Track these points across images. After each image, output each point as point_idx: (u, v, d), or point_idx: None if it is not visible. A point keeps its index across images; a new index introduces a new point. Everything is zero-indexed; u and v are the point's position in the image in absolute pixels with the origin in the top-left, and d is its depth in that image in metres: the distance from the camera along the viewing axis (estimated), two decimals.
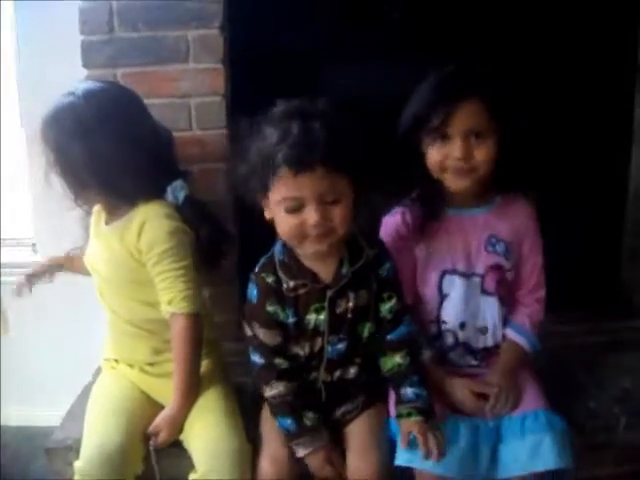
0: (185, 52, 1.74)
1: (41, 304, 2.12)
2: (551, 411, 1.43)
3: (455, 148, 1.38)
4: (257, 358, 1.40)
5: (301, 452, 1.38)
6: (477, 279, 1.50)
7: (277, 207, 1.29)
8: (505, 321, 1.54)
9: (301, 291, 1.36)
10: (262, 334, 1.38)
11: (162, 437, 1.45)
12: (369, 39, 1.91)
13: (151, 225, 1.44)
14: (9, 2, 1.98)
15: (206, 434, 1.43)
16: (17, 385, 2.19)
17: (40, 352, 2.19)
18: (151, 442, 1.45)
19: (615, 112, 2.06)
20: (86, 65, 1.74)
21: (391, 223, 1.53)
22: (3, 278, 2.05)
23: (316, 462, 1.38)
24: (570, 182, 2.07)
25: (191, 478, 1.41)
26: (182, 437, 1.48)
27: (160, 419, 1.47)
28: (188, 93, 1.76)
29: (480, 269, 1.50)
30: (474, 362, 1.53)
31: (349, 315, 1.38)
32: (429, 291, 1.52)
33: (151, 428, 1.46)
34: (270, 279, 1.36)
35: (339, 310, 1.37)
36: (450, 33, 1.91)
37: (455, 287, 1.50)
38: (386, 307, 1.42)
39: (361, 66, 1.93)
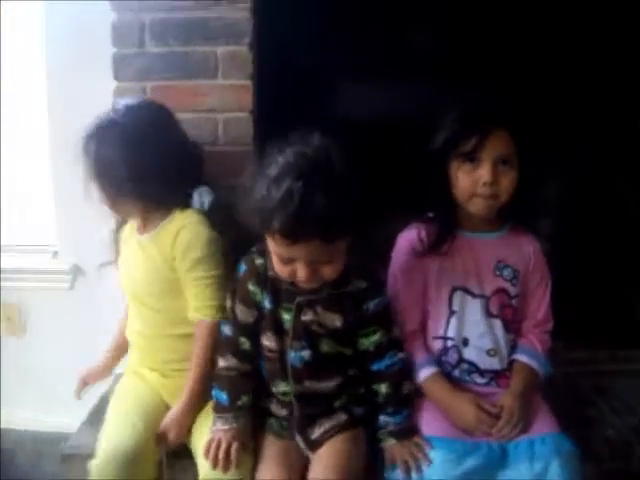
0: (214, 68, 1.76)
1: (57, 309, 2.15)
2: (560, 435, 1.42)
3: (485, 173, 1.44)
4: (227, 330, 1.46)
5: (219, 425, 1.41)
6: (483, 300, 1.52)
7: (271, 250, 1.33)
8: (513, 347, 1.56)
9: (281, 286, 1.40)
10: (239, 310, 1.44)
11: (171, 437, 1.47)
12: (396, 61, 1.93)
13: (187, 232, 1.52)
14: (39, 9, 2.01)
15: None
16: (29, 389, 2.20)
17: (55, 357, 2.20)
18: (162, 444, 1.47)
19: (630, 142, 2.07)
20: (117, 77, 1.77)
21: (406, 239, 1.56)
22: (23, 284, 2.07)
23: (224, 438, 1.38)
24: (589, 209, 2.08)
25: None
26: (191, 444, 1.50)
27: (168, 418, 1.49)
28: (216, 108, 1.78)
29: (487, 291, 1.53)
30: (481, 380, 1.53)
31: (314, 327, 1.40)
32: (439, 307, 1.54)
33: (160, 428, 1.48)
34: (259, 261, 1.42)
35: (305, 318, 1.40)
36: (472, 58, 1.94)
37: (463, 304, 1.52)
38: (370, 340, 1.44)
39: (386, 86, 1.95)
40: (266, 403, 1.48)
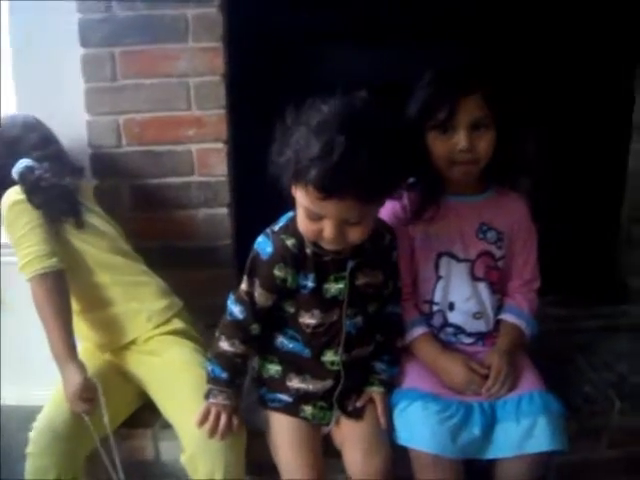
0: (184, 31, 1.73)
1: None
2: (547, 393, 1.44)
3: (460, 140, 1.42)
4: (237, 311, 1.38)
5: (220, 399, 1.38)
6: (468, 264, 1.53)
7: (298, 206, 1.26)
8: (499, 307, 1.57)
9: (324, 258, 1.33)
10: (258, 294, 1.36)
11: (75, 409, 1.46)
12: (372, 23, 1.89)
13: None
14: None
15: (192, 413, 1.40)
16: (14, 364, 2.18)
17: (37, 330, 2.18)
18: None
19: (614, 97, 2.05)
20: (84, 44, 1.73)
21: (389, 206, 1.54)
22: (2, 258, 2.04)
23: (224, 411, 1.38)
24: (567, 167, 2.07)
25: (182, 459, 1.42)
26: (166, 415, 1.51)
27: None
28: (187, 72, 1.76)
29: (472, 255, 1.53)
30: (468, 340, 1.55)
31: (367, 290, 1.39)
32: (426, 272, 1.54)
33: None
34: (290, 242, 1.32)
35: (358, 282, 1.37)
36: (450, 21, 1.91)
37: (448, 269, 1.53)
38: (387, 289, 1.46)
39: (361, 49, 1.92)
40: (297, 382, 1.43)
